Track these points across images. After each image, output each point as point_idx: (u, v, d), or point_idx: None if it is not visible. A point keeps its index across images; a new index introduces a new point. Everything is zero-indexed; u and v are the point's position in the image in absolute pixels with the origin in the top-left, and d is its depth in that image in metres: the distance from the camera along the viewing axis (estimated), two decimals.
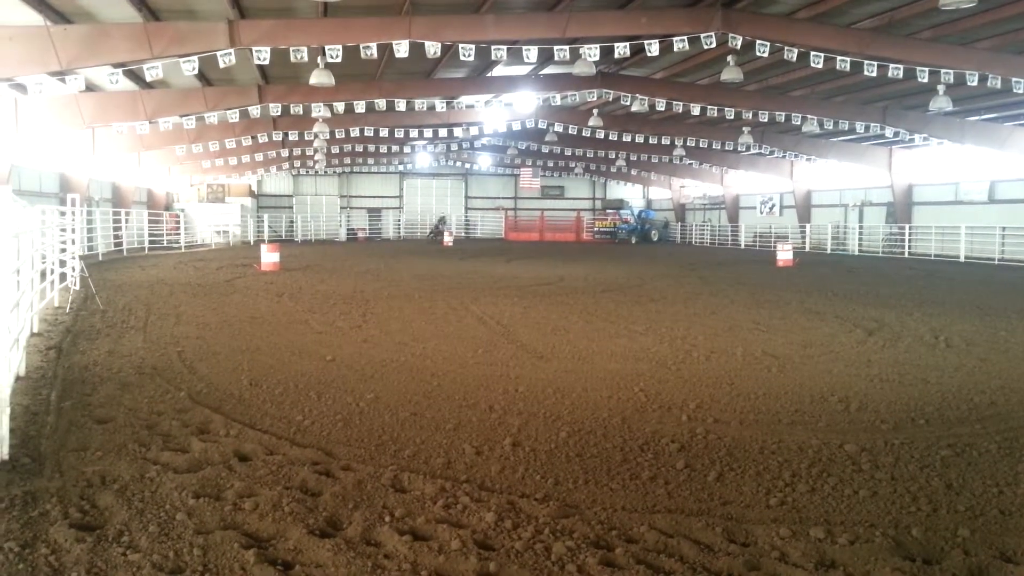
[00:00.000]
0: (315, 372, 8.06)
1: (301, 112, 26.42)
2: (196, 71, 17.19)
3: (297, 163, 45.45)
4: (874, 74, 19.19)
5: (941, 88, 20.65)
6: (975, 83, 19.76)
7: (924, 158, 33.32)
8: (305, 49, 17.21)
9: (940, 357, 9.18)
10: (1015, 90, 19.97)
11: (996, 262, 27.77)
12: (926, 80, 19.75)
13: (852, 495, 4.60)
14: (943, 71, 19.50)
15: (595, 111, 29.61)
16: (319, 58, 17.78)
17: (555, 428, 5.99)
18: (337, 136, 34.28)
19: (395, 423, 6.13)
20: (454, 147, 45.72)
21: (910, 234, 33.26)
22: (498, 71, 24.96)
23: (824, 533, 4.01)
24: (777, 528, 4.08)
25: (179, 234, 37.77)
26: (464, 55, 17.62)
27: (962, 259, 29.11)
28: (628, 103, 26.43)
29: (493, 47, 18.10)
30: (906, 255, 32.44)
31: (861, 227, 36.60)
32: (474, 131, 37.06)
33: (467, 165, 54.13)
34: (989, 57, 19.39)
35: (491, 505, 4.35)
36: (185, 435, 5.65)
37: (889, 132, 28.20)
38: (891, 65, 19.10)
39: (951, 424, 6.20)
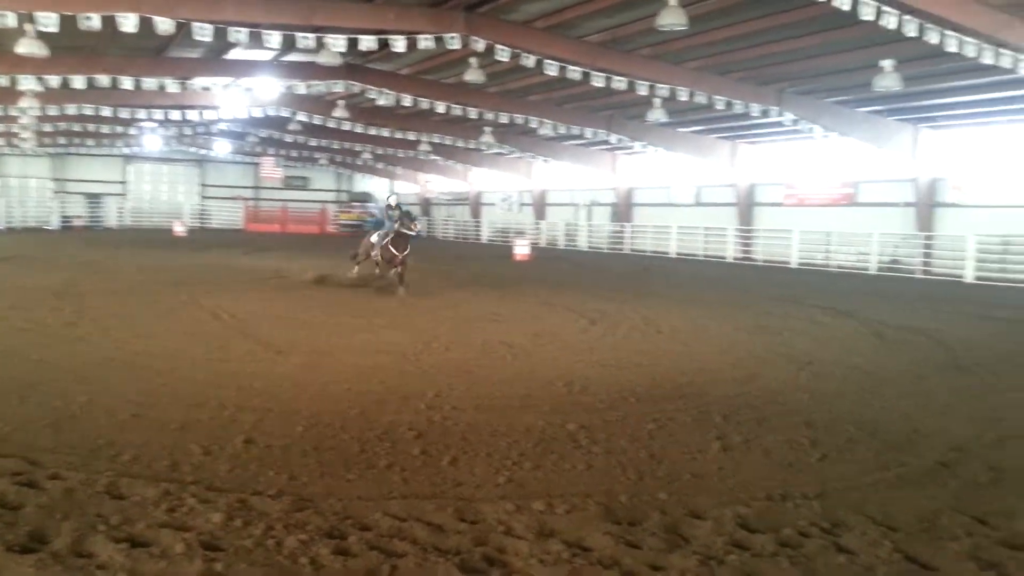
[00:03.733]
0: (18, 375, 7.21)
1: (7, 84, 23.32)
2: None
3: (0, 141, 39.96)
4: (601, 85, 20.78)
5: (657, 101, 22.83)
6: (686, 98, 22.05)
7: (643, 163, 36.57)
8: (12, 14, 15.19)
9: (651, 343, 10.21)
10: (716, 106, 22.59)
11: (701, 258, 31.23)
12: (645, 93, 21.74)
13: (571, 469, 5.02)
14: (659, 86, 21.56)
15: (341, 102, 29.14)
16: (28, 25, 15.77)
17: (292, 423, 5.88)
18: (50, 113, 30.63)
19: (113, 426, 5.67)
20: (188, 131, 42.66)
21: (631, 232, 36.40)
22: (238, 54, 23.71)
23: (545, 505, 4.34)
24: (503, 504, 4.35)
25: None
26: (200, 35, 16.57)
27: (673, 255, 32.41)
28: (375, 97, 26.35)
29: (232, 28, 17.17)
30: (628, 251, 35.47)
31: (590, 225, 39.44)
32: (211, 115, 34.88)
33: (203, 151, 50.81)
34: (697, 76, 21.73)
35: (220, 505, 4.20)
36: None
37: (614, 139, 30.64)
38: (615, 77, 20.77)
39: (657, 401, 6.94)
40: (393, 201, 16.74)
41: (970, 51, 14.93)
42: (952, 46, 14.70)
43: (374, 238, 16.56)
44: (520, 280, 19.24)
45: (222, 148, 49.93)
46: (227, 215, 53.80)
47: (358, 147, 42.03)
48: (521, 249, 27.67)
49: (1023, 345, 10.98)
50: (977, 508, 4.50)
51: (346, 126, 31.40)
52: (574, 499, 4.47)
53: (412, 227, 15.62)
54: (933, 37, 14.37)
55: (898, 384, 8.09)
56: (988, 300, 16.65)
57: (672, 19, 14.56)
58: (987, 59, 15.24)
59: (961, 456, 5.52)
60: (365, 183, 58.80)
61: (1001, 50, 15.16)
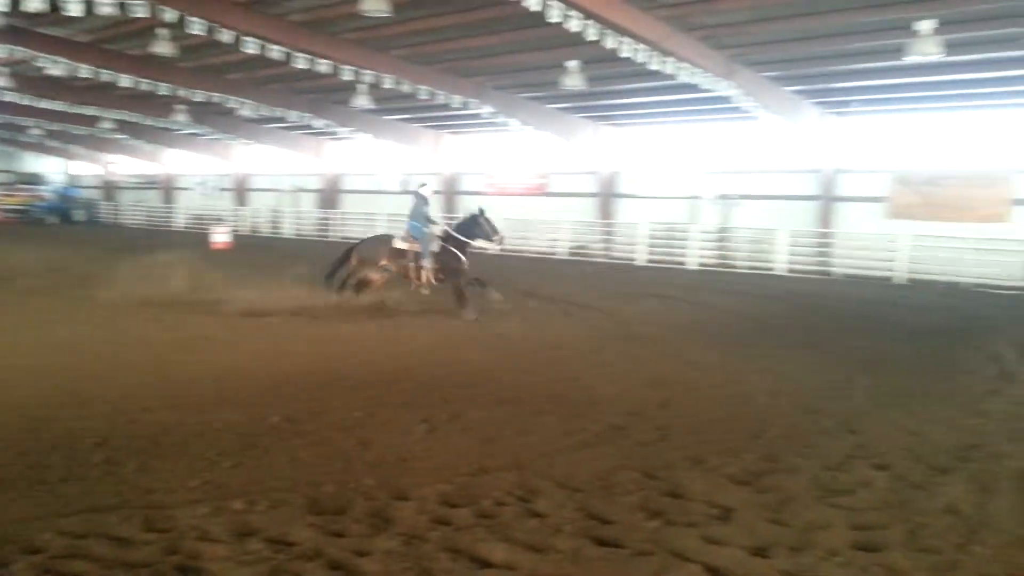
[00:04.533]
0: None
1: None
2: None
3: None
4: (304, 67, 20.21)
5: (363, 87, 22.75)
6: (391, 86, 22.19)
7: (351, 150, 36.28)
8: None
9: (359, 330, 10.17)
10: (420, 96, 23.03)
11: None
12: (350, 78, 21.52)
13: (273, 464, 4.88)
14: (364, 71, 21.46)
15: (4, 69, 25.33)
16: None
17: None
18: None
19: None
20: None
21: (338, 219, 35.99)
22: None
23: (245, 504, 4.18)
24: (198, 508, 4.11)
25: None
26: None
27: None
28: (46, 65, 23.26)
29: None
30: (336, 239, 35.02)
31: (296, 212, 38.33)
32: None
33: None
34: (401, 64, 21.95)
35: None
36: None
37: (319, 123, 30.02)
38: (319, 60, 20.30)
39: (366, 387, 6.96)
40: (428, 192, 12.32)
41: (641, 57, 16.69)
42: (626, 51, 16.33)
43: (402, 244, 11.82)
44: (218, 269, 18.15)
45: None
46: None
47: (26, 121, 36.95)
48: (220, 237, 26.16)
49: (681, 317, 12.59)
50: (646, 464, 5.10)
51: (9, 97, 27.43)
52: (277, 494, 4.35)
53: (494, 239, 11.86)
54: (610, 42, 15.85)
55: (582, 356, 8.90)
56: (656, 280, 18.82)
57: (375, 5, 14.58)
58: (654, 65, 17.15)
59: (633, 419, 6.20)
60: (36, 163, 51.90)
61: (665, 58, 17.13)
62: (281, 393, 6.65)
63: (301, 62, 19.85)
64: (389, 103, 26.57)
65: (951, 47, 14.74)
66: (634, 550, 3.86)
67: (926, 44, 14.45)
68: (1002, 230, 19.80)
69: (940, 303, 15.38)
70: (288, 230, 37.73)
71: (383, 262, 11.88)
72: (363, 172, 36.32)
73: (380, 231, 32.45)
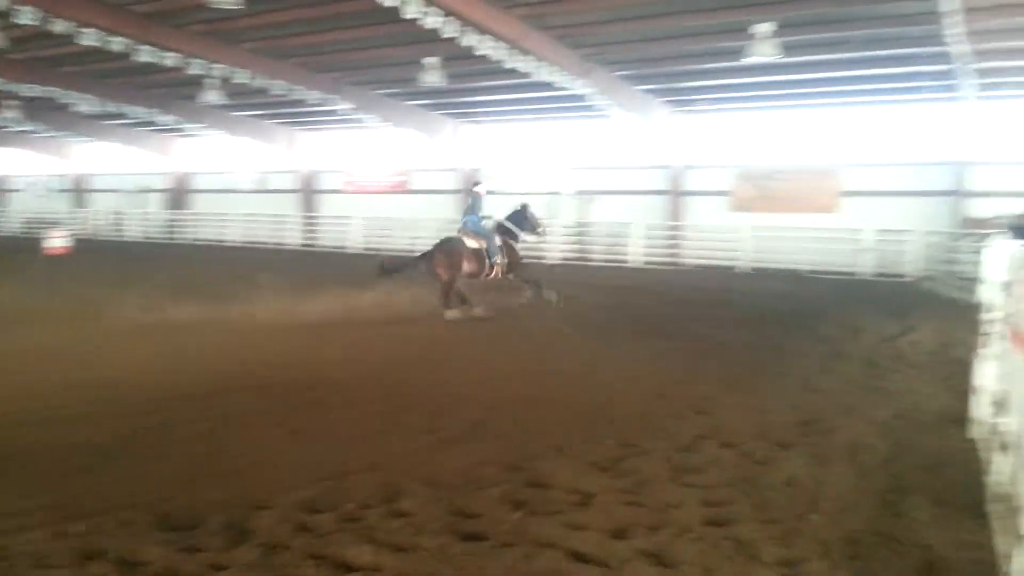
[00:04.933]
0: None
1: None
2: None
3: None
4: (149, 60, 19.13)
5: (213, 82, 21.78)
6: (243, 80, 21.36)
7: (202, 147, 34.71)
8: None
9: (211, 337, 9.70)
10: (274, 91, 22.31)
11: (264, 246, 30.51)
12: (200, 72, 20.57)
13: (117, 482, 4.60)
14: (214, 65, 20.55)
15: None
16: None
17: None
18: None
19: None
20: None
21: (188, 220, 34.35)
22: None
23: (88, 525, 3.93)
24: (35, 533, 3.84)
25: None
26: None
27: (238, 244, 31.31)
28: None
29: None
30: (188, 241, 33.39)
31: (142, 213, 36.31)
32: None
33: None
34: (253, 58, 21.17)
35: None
36: None
37: (166, 119, 28.54)
38: (165, 53, 19.28)
39: (219, 396, 6.69)
40: (482, 190, 12.45)
41: (498, 55, 16.87)
42: (484, 49, 16.46)
43: (472, 243, 11.71)
44: (54, 277, 16.96)
45: None
46: None
47: None
48: (55, 242, 24.38)
49: (542, 311, 12.77)
50: (510, 457, 5.16)
51: None
52: (123, 513, 4.12)
53: (538, 231, 12.56)
54: (468, 40, 15.92)
55: (445, 353, 8.92)
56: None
57: None
58: (512, 63, 17.38)
59: (497, 413, 6.28)
60: None
61: (523, 56, 17.39)
62: (126, 405, 6.29)
63: (145, 55, 18.84)
64: (241, 98, 25.61)
65: (788, 49, 15.78)
66: (498, 542, 3.91)
67: (764, 46, 15.40)
68: (833, 220, 21.42)
69: (780, 289, 16.45)
70: (134, 233, 35.68)
71: (465, 265, 11.65)
72: (215, 171, 34.85)
73: (233, 232, 31.23)
